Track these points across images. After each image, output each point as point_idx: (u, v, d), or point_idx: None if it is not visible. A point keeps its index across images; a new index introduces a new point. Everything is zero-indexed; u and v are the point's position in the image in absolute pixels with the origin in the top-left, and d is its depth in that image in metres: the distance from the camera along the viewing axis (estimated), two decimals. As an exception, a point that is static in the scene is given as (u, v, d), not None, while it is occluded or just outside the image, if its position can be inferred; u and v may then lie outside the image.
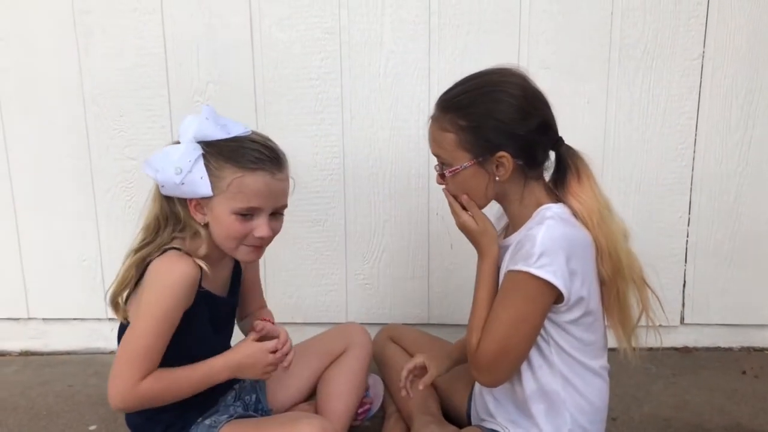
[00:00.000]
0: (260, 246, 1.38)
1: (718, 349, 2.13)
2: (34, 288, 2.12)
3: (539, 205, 1.33)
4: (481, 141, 1.29)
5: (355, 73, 1.95)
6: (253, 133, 1.38)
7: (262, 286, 1.64)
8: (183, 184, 1.30)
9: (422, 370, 1.53)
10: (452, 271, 2.06)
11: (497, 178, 1.31)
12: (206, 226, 1.34)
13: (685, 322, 2.10)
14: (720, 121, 1.96)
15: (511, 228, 1.41)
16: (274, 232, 1.38)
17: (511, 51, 1.91)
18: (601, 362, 1.40)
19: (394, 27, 1.91)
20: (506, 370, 1.34)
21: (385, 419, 1.70)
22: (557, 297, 1.28)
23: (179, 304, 1.30)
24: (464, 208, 1.37)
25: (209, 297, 1.38)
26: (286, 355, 1.40)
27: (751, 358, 2.08)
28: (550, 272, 1.24)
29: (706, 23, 1.90)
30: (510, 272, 1.29)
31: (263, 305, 1.62)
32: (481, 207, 1.38)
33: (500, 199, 1.38)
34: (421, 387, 1.51)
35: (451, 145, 1.31)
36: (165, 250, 1.33)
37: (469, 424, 1.57)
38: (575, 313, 1.31)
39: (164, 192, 1.34)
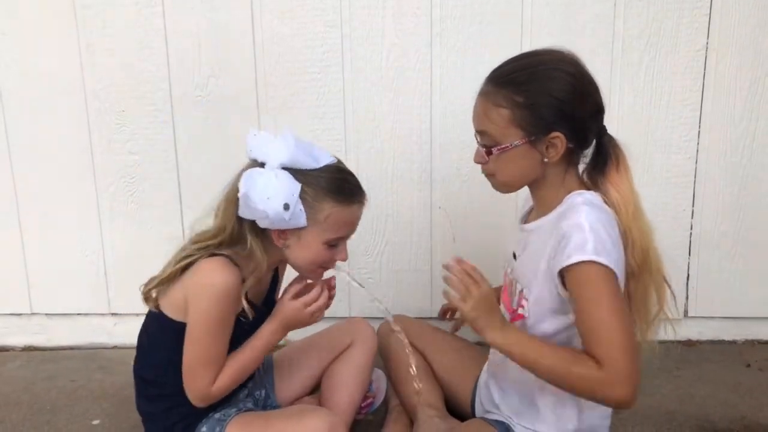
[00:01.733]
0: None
1: (722, 341, 2.12)
2: (37, 283, 2.12)
3: (571, 191, 1.30)
4: (537, 119, 1.24)
5: (356, 66, 1.94)
6: (338, 161, 1.38)
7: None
8: (287, 219, 1.29)
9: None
10: (455, 264, 2.06)
11: (546, 160, 1.27)
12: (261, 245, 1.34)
13: (689, 314, 2.09)
14: (724, 113, 1.95)
15: (536, 212, 1.38)
16: None
17: (513, 43, 1.90)
18: None
19: (395, 19, 1.91)
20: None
21: (387, 413, 1.70)
22: None
23: (230, 311, 1.34)
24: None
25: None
26: (326, 300, 1.43)
27: (756, 351, 2.07)
28: (604, 256, 1.20)
29: (710, 14, 1.88)
30: (570, 269, 1.21)
31: None
32: (517, 188, 1.35)
33: (536, 181, 1.33)
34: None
35: (504, 121, 1.26)
36: (213, 254, 1.34)
37: (474, 417, 1.58)
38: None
39: (263, 225, 1.31)
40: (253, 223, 1.32)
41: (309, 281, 1.43)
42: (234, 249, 1.35)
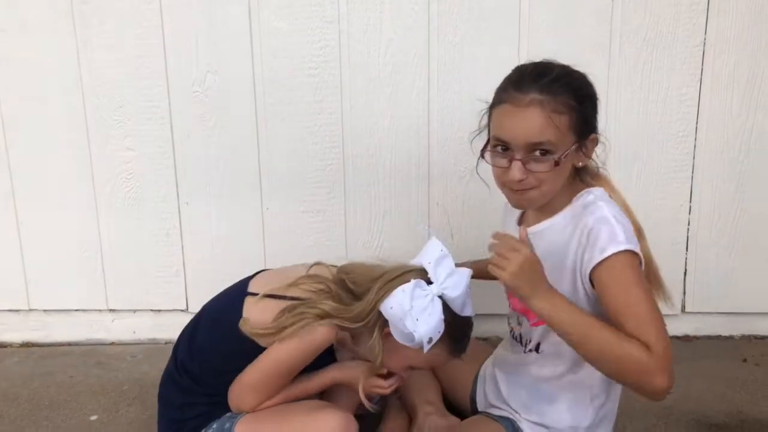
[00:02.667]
0: None
1: (719, 337, 2.13)
2: (35, 279, 2.12)
3: (576, 190, 1.31)
4: (585, 122, 1.26)
5: (354, 61, 1.94)
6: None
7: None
8: (421, 347, 1.28)
9: None
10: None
11: (580, 164, 1.28)
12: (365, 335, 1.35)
13: (686, 310, 2.10)
14: (721, 109, 1.95)
15: (536, 215, 1.36)
16: None
17: (511, 39, 1.90)
18: None
19: (393, 15, 1.90)
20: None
21: (385, 408, 1.70)
22: None
23: (309, 361, 1.37)
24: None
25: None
26: (392, 391, 1.46)
27: (752, 346, 2.08)
28: (633, 244, 1.21)
29: (707, 10, 1.88)
30: (605, 261, 1.20)
31: None
32: (552, 196, 1.29)
33: None
34: None
35: (565, 128, 1.22)
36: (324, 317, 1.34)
37: (473, 411, 1.58)
38: None
39: (394, 333, 1.30)
40: (385, 321, 1.31)
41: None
42: (348, 325, 1.34)
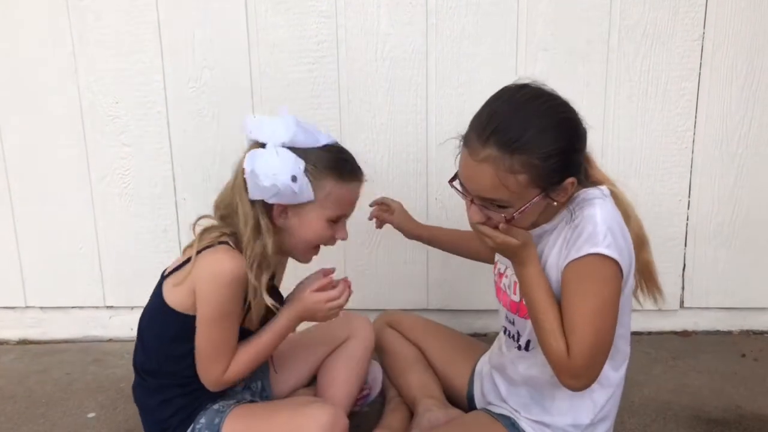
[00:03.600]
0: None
1: (717, 332, 2.12)
2: (32, 277, 2.11)
3: (571, 196, 1.28)
4: (553, 174, 1.20)
5: (351, 57, 1.93)
6: (336, 142, 1.41)
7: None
8: (296, 192, 1.31)
9: (390, 210, 1.71)
10: (450, 256, 2.05)
11: (555, 203, 1.24)
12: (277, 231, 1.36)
13: (685, 305, 2.09)
14: (720, 103, 1.95)
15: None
16: None
17: (509, 33, 1.89)
18: (629, 348, 1.39)
19: (390, 10, 1.89)
20: (601, 365, 1.24)
21: (385, 404, 1.70)
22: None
23: (238, 297, 1.35)
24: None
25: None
26: (347, 299, 1.45)
27: (751, 342, 2.08)
28: (615, 250, 1.20)
29: (706, 4, 1.88)
30: (577, 261, 1.21)
31: None
32: (526, 228, 1.28)
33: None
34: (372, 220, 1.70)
35: (522, 186, 1.19)
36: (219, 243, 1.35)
37: (469, 406, 1.58)
38: (624, 293, 1.28)
39: (272, 200, 1.32)
40: (263, 205, 1.34)
41: (331, 277, 1.45)
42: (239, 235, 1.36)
